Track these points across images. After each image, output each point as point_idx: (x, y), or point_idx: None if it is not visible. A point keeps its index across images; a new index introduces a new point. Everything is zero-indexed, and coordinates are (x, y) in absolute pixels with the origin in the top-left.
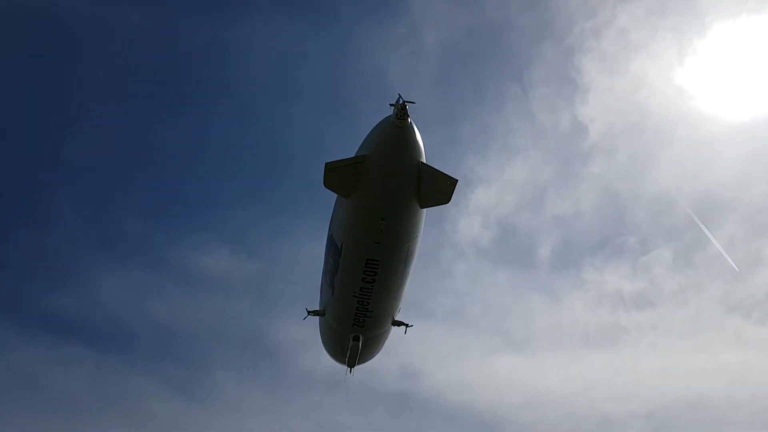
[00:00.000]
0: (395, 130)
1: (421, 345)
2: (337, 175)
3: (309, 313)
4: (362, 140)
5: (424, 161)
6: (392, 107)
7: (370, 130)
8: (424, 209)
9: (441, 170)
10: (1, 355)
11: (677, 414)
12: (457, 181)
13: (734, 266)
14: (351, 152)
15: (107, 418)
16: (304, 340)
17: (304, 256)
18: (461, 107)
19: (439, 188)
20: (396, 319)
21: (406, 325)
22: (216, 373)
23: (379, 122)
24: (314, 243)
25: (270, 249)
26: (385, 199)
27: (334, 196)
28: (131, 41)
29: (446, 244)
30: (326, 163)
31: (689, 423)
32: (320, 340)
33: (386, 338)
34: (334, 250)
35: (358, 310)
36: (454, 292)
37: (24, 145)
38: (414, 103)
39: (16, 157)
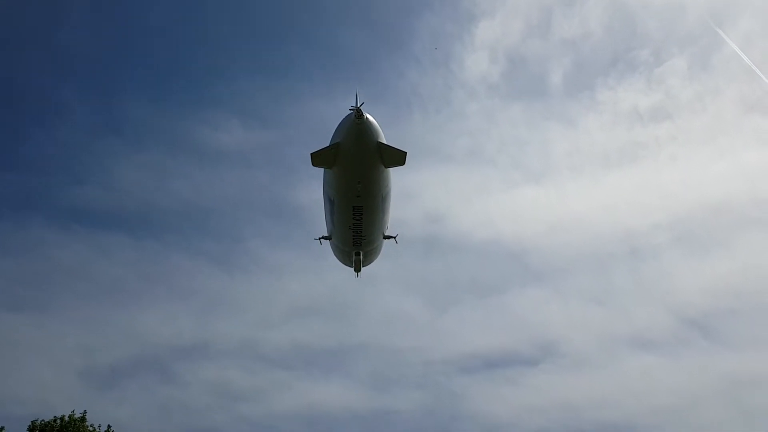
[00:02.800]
0: (356, 126)
1: (443, 189)
2: (319, 158)
3: (319, 238)
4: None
5: (382, 140)
6: (351, 110)
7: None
8: (389, 168)
9: (393, 146)
10: (43, 252)
11: (700, 220)
12: (405, 153)
13: (750, 64)
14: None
15: (156, 296)
16: None
17: (314, 115)
18: None
19: (395, 156)
20: (385, 234)
21: (394, 237)
22: (250, 242)
23: (344, 118)
24: (322, 101)
25: (280, 115)
26: (357, 169)
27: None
28: None
29: (455, 85)
30: (311, 153)
31: (713, 227)
32: (332, 253)
33: (381, 248)
34: (329, 201)
35: (354, 236)
36: (469, 133)
37: (20, 44)
38: (363, 102)
39: (15, 56)
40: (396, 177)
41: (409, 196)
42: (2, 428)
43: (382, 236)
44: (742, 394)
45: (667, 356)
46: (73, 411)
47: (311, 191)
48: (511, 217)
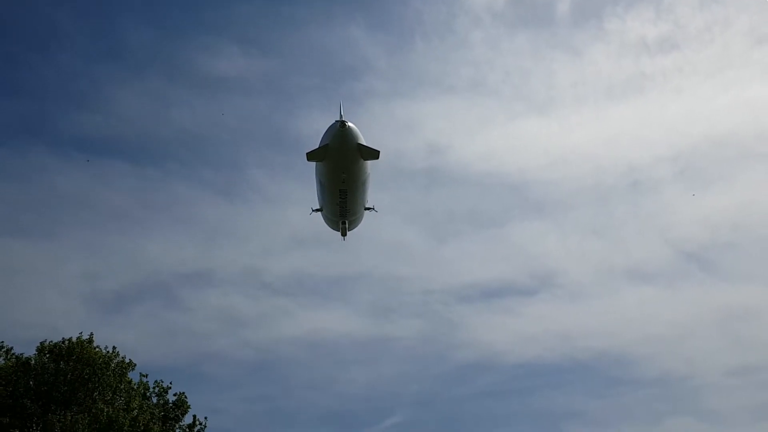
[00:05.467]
0: (340, 132)
1: (445, 121)
2: (312, 156)
3: (313, 210)
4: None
5: (361, 142)
6: (337, 121)
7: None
8: (368, 161)
9: (369, 146)
10: (44, 178)
11: (703, 153)
12: (379, 151)
13: None
14: None
15: (158, 224)
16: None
17: (315, 43)
18: None
19: (371, 153)
20: (366, 206)
21: (372, 208)
22: (250, 172)
23: (331, 125)
24: (323, 29)
25: (280, 42)
26: (341, 164)
27: None
28: None
29: (460, 12)
30: (306, 153)
31: (715, 160)
32: (323, 221)
33: (363, 216)
34: (320, 184)
35: (341, 209)
36: (472, 62)
37: None
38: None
39: None
40: (397, 107)
41: (410, 126)
42: (11, 348)
43: (363, 208)
44: (736, 326)
45: (663, 288)
46: (80, 333)
47: (312, 121)
48: (512, 149)
